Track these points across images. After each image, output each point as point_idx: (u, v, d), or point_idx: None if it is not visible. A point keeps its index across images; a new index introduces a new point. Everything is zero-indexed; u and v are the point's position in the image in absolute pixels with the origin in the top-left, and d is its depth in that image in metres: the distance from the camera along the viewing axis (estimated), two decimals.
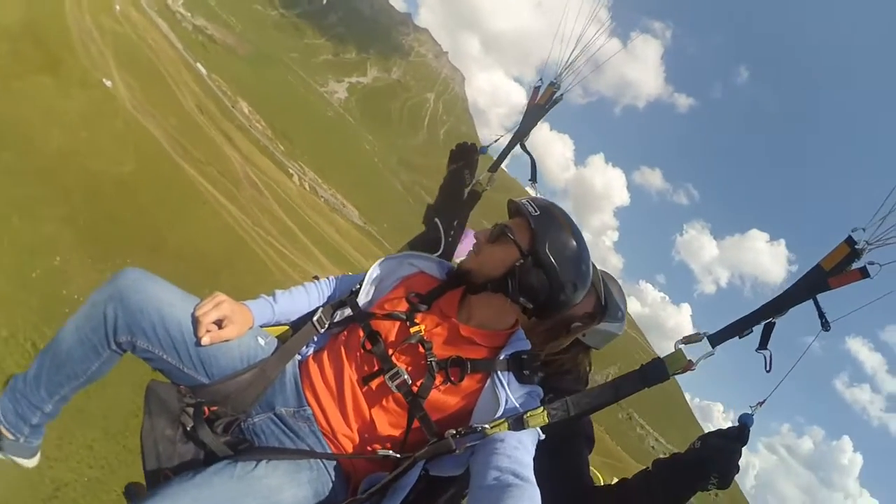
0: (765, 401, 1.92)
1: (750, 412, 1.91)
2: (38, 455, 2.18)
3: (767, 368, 1.92)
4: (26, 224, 11.72)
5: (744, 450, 1.92)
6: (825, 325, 1.86)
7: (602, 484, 2.31)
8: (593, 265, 2.53)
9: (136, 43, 54.07)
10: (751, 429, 1.91)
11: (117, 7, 59.44)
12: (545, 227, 2.13)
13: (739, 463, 1.93)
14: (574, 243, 2.16)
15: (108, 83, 32.81)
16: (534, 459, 1.91)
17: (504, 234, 2.17)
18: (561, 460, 2.37)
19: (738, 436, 1.92)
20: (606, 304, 2.68)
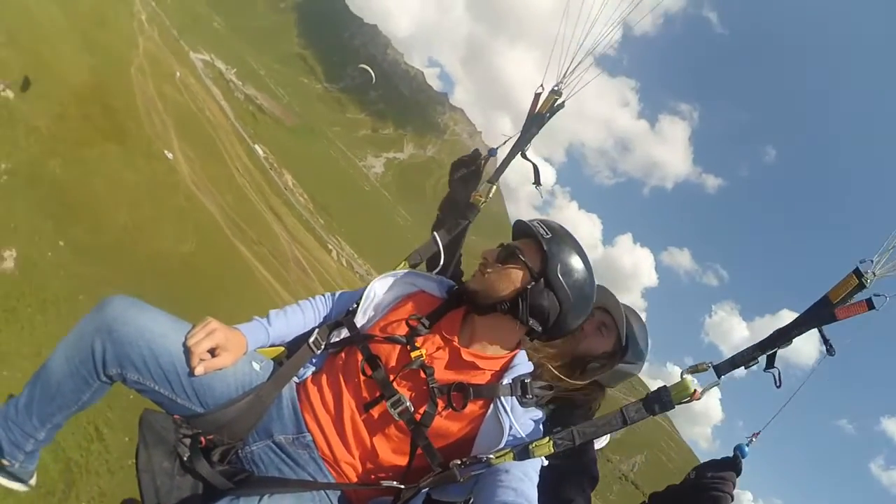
0: (759, 433, 1.95)
1: (745, 443, 1.96)
2: (35, 478, 2.15)
3: (777, 384, 1.92)
4: (93, 305, 11.44)
5: None
6: (830, 351, 1.88)
7: None
8: (619, 301, 2.69)
9: (195, 114, 55.44)
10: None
11: (178, 73, 61.28)
12: (557, 250, 2.14)
13: (733, 493, 1.96)
14: (583, 267, 2.17)
15: (170, 155, 33.10)
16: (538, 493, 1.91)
17: (514, 255, 2.17)
18: (564, 497, 2.42)
19: (731, 465, 1.97)
20: (627, 343, 2.65)
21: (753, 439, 1.96)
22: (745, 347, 2.01)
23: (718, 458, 2.05)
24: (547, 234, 2.16)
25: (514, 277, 2.14)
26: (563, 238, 2.18)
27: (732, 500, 1.95)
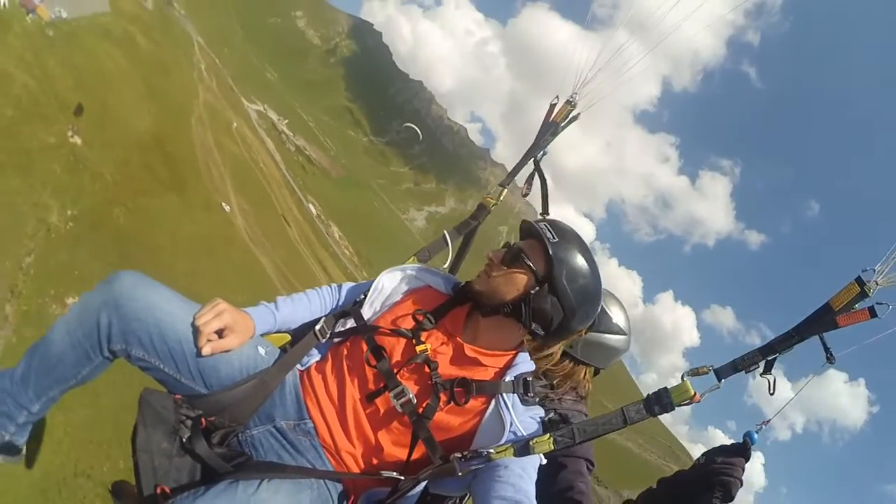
0: (769, 421, 1.97)
1: (755, 430, 1.97)
2: (23, 452, 2.08)
3: (771, 391, 1.97)
4: None
5: None
6: (830, 359, 1.88)
7: None
8: None
9: (250, 166, 56.40)
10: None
11: (234, 124, 62.54)
12: (563, 255, 2.09)
13: (743, 478, 1.94)
14: (589, 271, 2.13)
15: (227, 208, 33.39)
16: (537, 482, 1.92)
17: (519, 259, 2.13)
18: (562, 482, 2.51)
19: (741, 450, 1.97)
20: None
21: (763, 426, 1.97)
22: (749, 353, 2.05)
23: (729, 443, 2.03)
24: (554, 237, 2.11)
25: (518, 282, 2.11)
26: (570, 242, 2.13)
27: (742, 485, 1.94)
